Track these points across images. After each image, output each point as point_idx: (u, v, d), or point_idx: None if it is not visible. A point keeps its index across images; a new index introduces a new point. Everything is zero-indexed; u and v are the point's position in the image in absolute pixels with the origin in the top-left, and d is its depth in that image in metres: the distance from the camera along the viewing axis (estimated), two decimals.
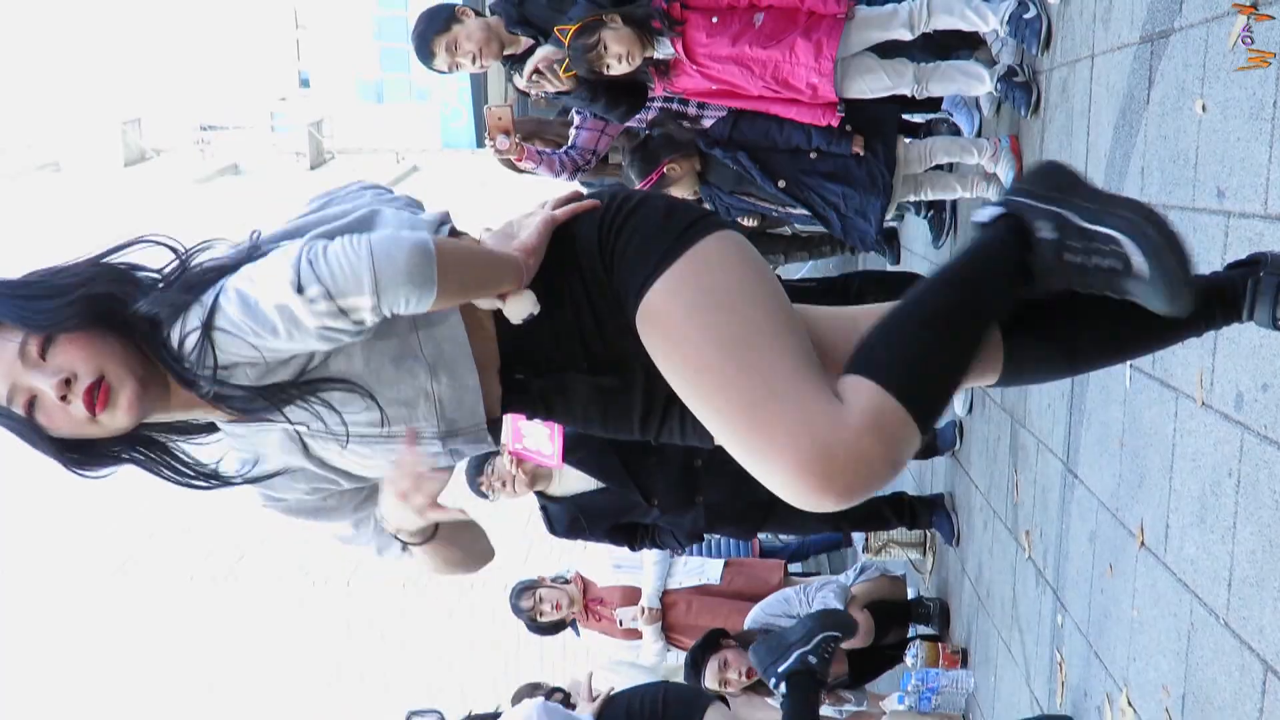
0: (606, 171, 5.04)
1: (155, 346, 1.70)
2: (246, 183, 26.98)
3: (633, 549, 5.11)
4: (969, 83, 4.25)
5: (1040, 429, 3.94)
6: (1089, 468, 3.32)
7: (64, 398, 1.68)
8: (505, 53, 4.39)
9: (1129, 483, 3.00)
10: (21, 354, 1.69)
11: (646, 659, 5.29)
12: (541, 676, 5.44)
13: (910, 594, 5.50)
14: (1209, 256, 2.54)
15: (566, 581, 5.56)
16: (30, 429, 1.72)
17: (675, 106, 4.44)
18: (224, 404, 1.75)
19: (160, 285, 1.73)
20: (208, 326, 1.66)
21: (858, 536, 6.30)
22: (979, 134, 4.77)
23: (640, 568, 5.44)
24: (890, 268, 6.43)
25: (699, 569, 5.37)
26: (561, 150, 4.73)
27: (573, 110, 4.66)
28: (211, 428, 1.87)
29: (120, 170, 27.83)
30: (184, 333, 1.67)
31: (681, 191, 4.45)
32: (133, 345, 1.72)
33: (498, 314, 1.85)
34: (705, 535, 5.44)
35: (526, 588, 5.49)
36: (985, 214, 1.93)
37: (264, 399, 1.74)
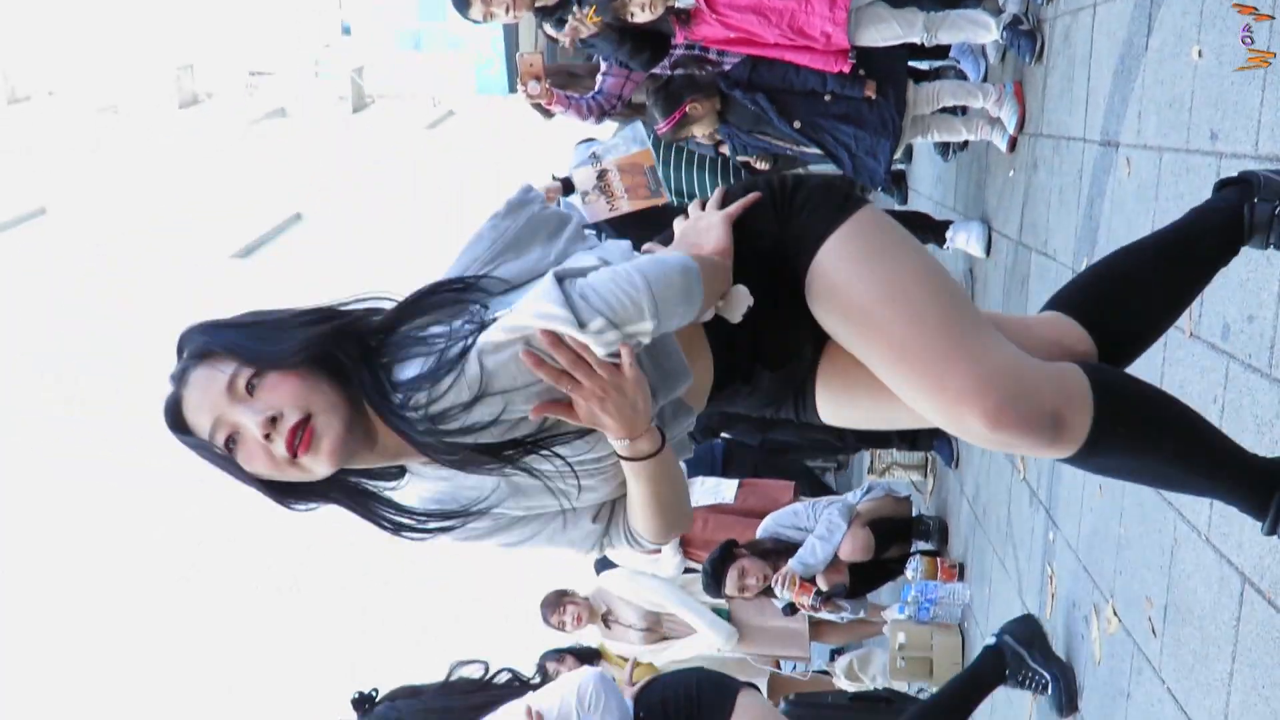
0: (633, 115, 5.00)
1: (382, 402, 1.57)
2: (292, 124, 26.85)
3: None
4: (976, 31, 4.19)
5: None
6: None
7: (267, 436, 1.56)
8: (537, 4, 4.34)
9: None
10: (230, 388, 1.58)
11: (665, 571, 5.30)
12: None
13: (912, 513, 5.45)
14: (1202, 195, 2.51)
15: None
16: (232, 465, 1.61)
17: (696, 53, 4.39)
18: (460, 465, 1.61)
19: (377, 339, 1.61)
20: (481, 394, 1.54)
21: (860, 469, 6.28)
22: (985, 80, 4.72)
23: None
24: (898, 207, 6.37)
25: (714, 489, 5.36)
26: (589, 95, 4.69)
27: (599, 57, 4.61)
28: (401, 471, 1.72)
29: (175, 112, 27.73)
30: (438, 395, 1.55)
31: (702, 130, 4.41)
32: (344, 392, 1.59)
33: (708, 326, 1.77)
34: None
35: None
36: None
37: (503, 459, 1.61)
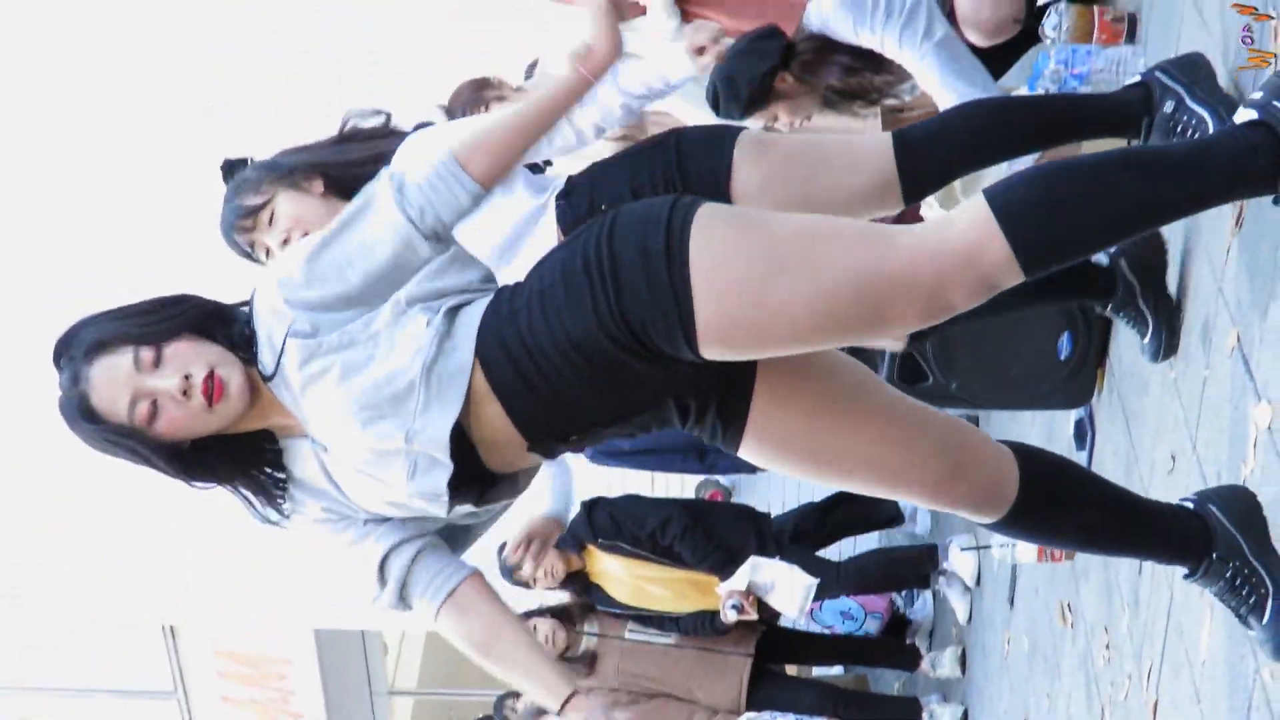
0: None
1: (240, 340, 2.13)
2: None
3: None
4: None
5: None
6: None
7: (185, 393, 2.03)
8: None
9: None
10: (136, 364, 2.04)
11: (655, 51, 3.69)
12: None
13: None
14: None
15: None
16: (146, 443, 2.05)
17: None
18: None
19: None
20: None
21: None
22: None
23: None
24: None
25: None
26: None
27: None
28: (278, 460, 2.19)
29: None
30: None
31: None
32: (228, 347, 2.11)
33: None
34: None
35: None
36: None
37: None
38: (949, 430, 2.22)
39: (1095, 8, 3.75)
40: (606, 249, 2.02)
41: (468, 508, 2.20)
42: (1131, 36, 3.65)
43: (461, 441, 2.09)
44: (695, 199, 2.07)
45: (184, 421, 2.05)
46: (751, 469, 6.13)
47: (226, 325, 2.13)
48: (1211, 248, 2.87)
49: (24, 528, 10.59)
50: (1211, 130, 2.60)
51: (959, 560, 5.41)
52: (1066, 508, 2.27)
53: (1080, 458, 3.78)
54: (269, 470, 2.17)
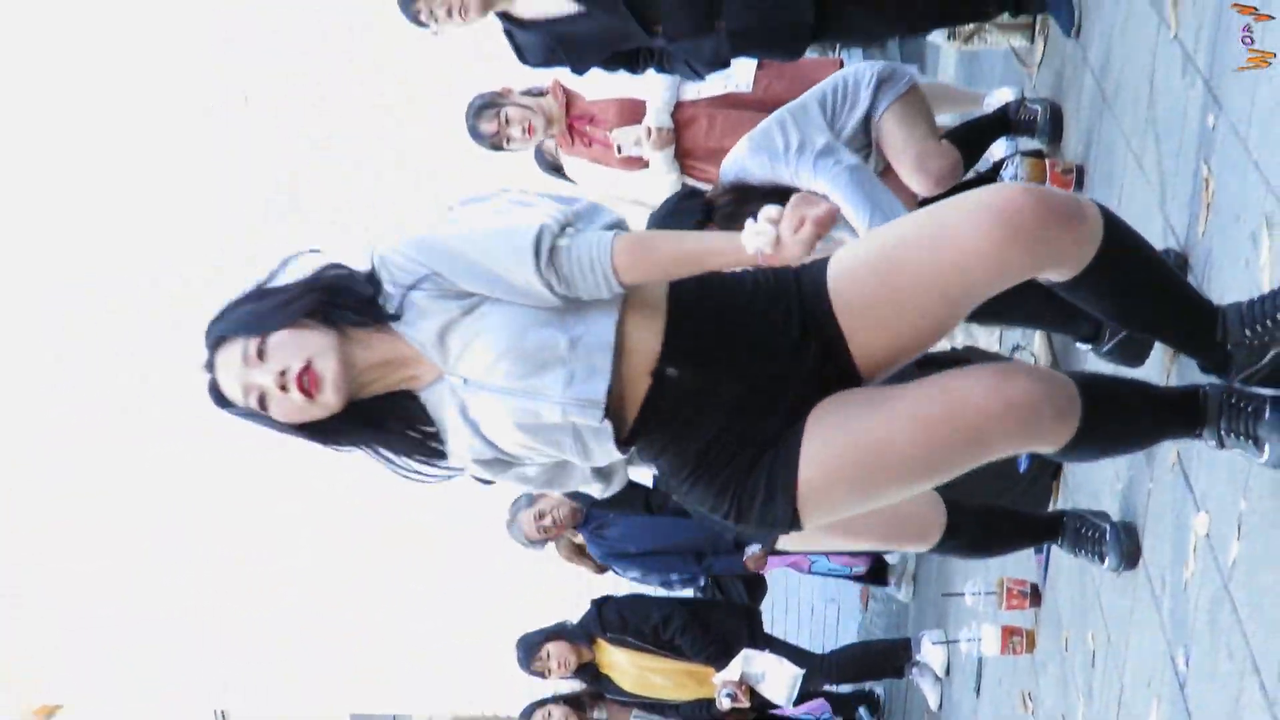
0: None
1: (368, 309, 2.20)
2: None
3: (633, 73, 4.37)
4: None
5: None
6: None
7: (283, 388, 2.14)
8: None
9: None
10: (244, 358, 2.16)
11: (656, 196, 4.43)
12: None
13: (1010, 95, 4.68)
14: None
15: (541, 93, 4.65)
16: (275, 423, 2.20)
17: None
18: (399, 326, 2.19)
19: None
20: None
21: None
22: None
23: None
24: None
25: (725, 74, 4.45)
26: None
27: None
28: (422, 413, 2.27)
29: None
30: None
31: None
32: (333, 332, 2.17)
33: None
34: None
35: (487, 105, 4.62)
36: None
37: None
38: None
39: (1047, 160, 4.21)
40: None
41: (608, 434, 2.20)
42: (1080, 185, 4.09)
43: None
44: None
45: (292, 413, 2.17)
46: (743, 573, 6.59)
47: (342, 302, 2.19)
48: (1151, 374, 3.24)
49: (77, 629, 10.75)
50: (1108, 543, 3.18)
51: (930, 652, 5.85)
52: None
53: (1038, 560, 4.15)
54: (421, 427, 2.24)
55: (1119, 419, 2.28)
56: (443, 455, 2.27)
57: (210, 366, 2.22)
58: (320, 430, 2.22)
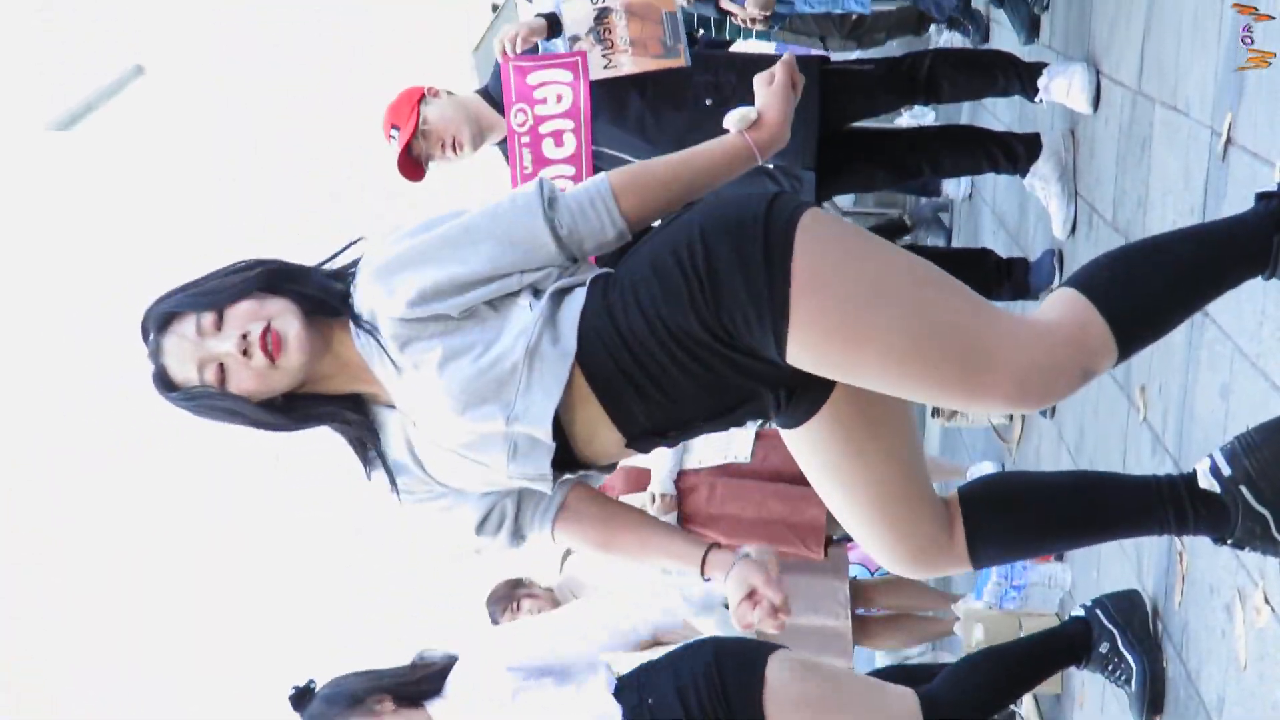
0: None
1: (329, 292, 2.15)
2: None
3: None
4: None
5: None
6: (1222, 303, 2.82)
7: (245, 352, 2.05)
8: None
9: (1274, 322, 2.64)
10: (199, 330, 2.07)
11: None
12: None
13: (990, 469, 4.94)
14: None
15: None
16: (227, 399, 2.08)
17: None
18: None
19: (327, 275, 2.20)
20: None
21: None
22: None
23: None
24: (973, 46, 5.74)
25: (725, 444, 4.71)
26: None
27: None
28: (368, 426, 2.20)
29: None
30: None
31: None
32: (291, 301, 2.10)
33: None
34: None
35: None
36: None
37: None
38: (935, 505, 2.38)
39: None
40: (701, 247, 2.04)
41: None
42: (1060, 555, 4.26)
43: (558, 434, 2.09)
44: (795, 203, 2.09)
45: (253, 382, 2.06)
46: None
47: (299, 282, 2.13)
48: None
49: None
50: (1136, 677, 3.05)
51: None
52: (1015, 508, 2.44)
53: None
54: (360, 419, 2.17)
55: None
56: (369, 458, 2.20)
57: (157, 353, 2.12)
58: (278, 409, 2.12)
